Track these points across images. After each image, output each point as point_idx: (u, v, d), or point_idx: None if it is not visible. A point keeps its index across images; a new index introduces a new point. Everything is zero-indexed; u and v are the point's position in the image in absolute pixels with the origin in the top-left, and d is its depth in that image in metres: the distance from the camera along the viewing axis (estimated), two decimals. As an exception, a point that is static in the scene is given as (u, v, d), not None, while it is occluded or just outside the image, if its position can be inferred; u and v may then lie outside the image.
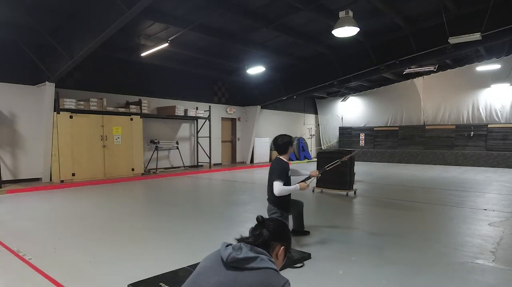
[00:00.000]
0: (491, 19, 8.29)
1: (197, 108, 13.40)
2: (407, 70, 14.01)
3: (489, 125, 15.69)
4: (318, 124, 21.46)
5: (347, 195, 7.91)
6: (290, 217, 4.43)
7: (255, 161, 16.41)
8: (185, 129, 13.84)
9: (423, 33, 10.08)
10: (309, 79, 13.93)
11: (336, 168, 4.75)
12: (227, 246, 1.51)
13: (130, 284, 3.07)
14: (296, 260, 3.66)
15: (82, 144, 9.73)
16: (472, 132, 16.00)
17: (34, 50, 9.15)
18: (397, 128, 18.48)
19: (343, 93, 19.62)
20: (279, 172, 3.94)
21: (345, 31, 7.68)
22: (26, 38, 8.99)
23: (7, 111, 9.09)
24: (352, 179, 8.11)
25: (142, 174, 11.24)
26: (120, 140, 10.62)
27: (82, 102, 9.85)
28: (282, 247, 1.61)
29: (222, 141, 15.56)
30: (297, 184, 3.95)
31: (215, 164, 14.47)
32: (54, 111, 9.30)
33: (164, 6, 8.42)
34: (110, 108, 10.48)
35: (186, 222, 5.58)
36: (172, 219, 5.82)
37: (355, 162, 8.46)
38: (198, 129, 13.98)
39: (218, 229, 5.18)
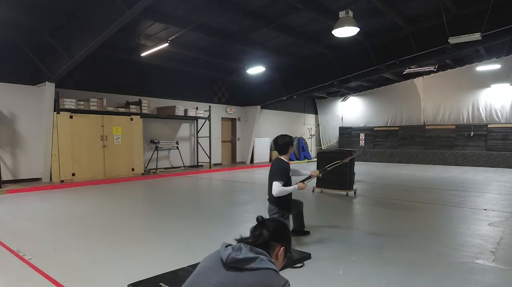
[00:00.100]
0: (491, 19, 8.29)
1: (197, 108, 13.40)
2: (407, 70, 14.01)
3: (489, 125, 15.70)
4: (318, 124, 21.46)
5: (347, 195, 7.91)
6: (291, 217, 4.43)
7: (255, 161, 16.41)
8: (185, 129, 13.84)
9: (423, 33, 10.08)
10: (309, 79, 13.93)
11: (336, 168, 4.75)
12: (227, 246, 1.51)
13: (130, 284, 3.07)
14: (296, 260, 3.66)
15: (82, 143, 9.73)
16: (472, 132, 16.00)
17: (34, 50, 9.15)
18: (397, 128, 18.48)
19: (343, 93, 19.62)
20: (280, 172, 3.94)
21: (345, 31, 7.68)
22: (26, 38, 8.99)
23: (7, 111, 9.10)
24: (352, 179, 8.11)
25: (142, 174, 11.24)
26: (120, 140, 10.62)
27: (82, 102, 9.85)
28: (282, 248, 1.60)
29: (222, 141, 15.56)
30: (296, 185, 3.97)
31: (215, 164, 14.47)
32: (54, 111, 9.30)
33: (164, 6, 8.42)
34: (110, 108, 10.48)
35: (186, 222, 5.58)
36: (172, 219, 5.82)
37: (355, 162, 8.46)
38: (198, 129, 13.98)
39: (218, 229, 5.18)
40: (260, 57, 12.14)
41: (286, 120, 18.85)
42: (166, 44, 9.41)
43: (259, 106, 16.13)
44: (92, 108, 9.99)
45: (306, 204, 4.77)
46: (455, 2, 8.60)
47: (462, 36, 8.48)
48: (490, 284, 3.23)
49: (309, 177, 4.39)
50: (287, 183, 3.98)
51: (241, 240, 1.56)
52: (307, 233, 4.72)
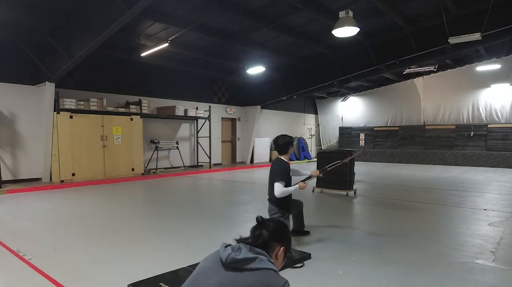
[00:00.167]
0: (491, 19, 8.29)
1: (197, 108, 13.40)
2: (407, 70, 14.01)
3: (489, 125, 15.70)
4: (318, 124, 21.46)
5: (347, 195, 7.91)
6: (291, 217, 4.43)
7: (255, 161, 16.41)
8: (185, 129, 13.84)
9: (423, 33, 10.08)
10: (309, 79, 13.93)
11: (336, 168, 4.75)
12: (226, 246, 1.51)
13: (130, 284, 3.07)
14: (296, 260, 3.66)
15: (82, 143, 9.73)
16: (472, 132, 16.00)
17: (34, 50, 9.15)
18: (397, 128, 18.48)
19: (343, 93, 19.62)
20: (281, 173, 3.94)
21: (345, 31, 7.68)
22: (26, 38, 8.99)
23: (7, 111, 9.10)
24: (352, 179, 8.11)
25: (142, 174, 11.24)
26: (120, 140, 10.62)
27: (82, 102, 9.85)
28: (282, 248, 1.60)
29: (222, 141, 15.56)
30: (296, 184, 3.98)
31: (215, 164, 14.47)
32: (54, 111, 9.30)
33: (164, 6, 8.42)
34: (110, 108, 10.48)
35: (186, 222, 5.58)
36: (172, 219, 5.82)
37: (355, 162, 8.46)
38: (198, 129, 13.98)
39: (218, 229, 5.18)
40: (260, 57, 12.14)
41: (286, 120, 18.85)
42: (166, 44, 9.41)
43: (259, 106, 16.13)
44: (92, 108, 9.99)
45: (306, 204, 4.77)
46: (455, 2, 8.60)
47: (462, 36, 8.48)
48: (490, 284, 3.23)
49: (309, 177, 4.39)
50: (288, 183, 3.98)
51: (240, 240, 1.56)
52: (307, 233, 4.72)
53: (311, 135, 20.92)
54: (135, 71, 11.95)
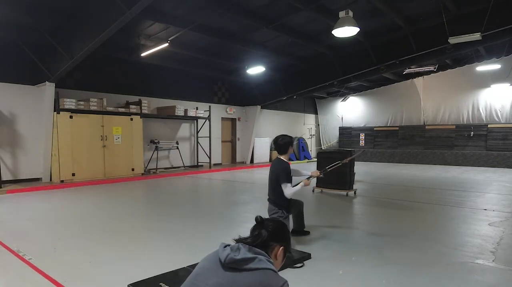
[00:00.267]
0: (491, 19, 8.29)
1: (197, 108, 13.40)
2: (407, 70, 14.01)
3: (489, 125, 15.69)
4: (318, 124, 21.46)
5: (347, 195, 7.91)
6: (291, 217, 4.43)
7: (255, 161, 16.41)
8: (185, 129, 13.84)
9: (423, 33, 10.08)
10: (309, 79, 13.93)
11: (336, 168, 4.75)
12: (225, 246, 1.50)
13: (130, 284, 3.07)
14: (296, 260, 3.66)
15: (82, 143, 9.73)
16: (472, 132, 16.00)
17: (34, 50, 9.15)
18: (397, 128, 18.48)
19: (343, 93, 19.62)
20: (285, 173, 3.95)
21: (345, 31, 7.68)
22: (26, 38, 8.99)
23: (7, 111, 9.10)
24: (352, 179, 8.11)
25: (142, 174, 11.24)
26: (120, 140, 10.62)
27: (82, 102, 9.85)
28: (281, 248, 1.60)
29: (222, 141, 15.56)
30: (302, 182, 4.01)
31: (215, 164, 14.47)
32: (54, 111, 9.30)
33: (164, 6, 8.42)
34: (110, 108, 10.48)
35: (186, 222, 5.58)
36: (172, 219, 5.82)
37: (355, 162, 8.46)
38: (198, 129, 13.98)
39: (218, 229, 5.18)
40: (260, 57, 12.14)
41: (286, 120, 18.85)
42: (166, 44, 9.41)
43: (259, 106, 16.13)
44: (92, 108, 9.99)
45: (306, 204, 4.77)
46: (455, 2, 8.60)
47: (462, 36, 8.48)
48: (490, 284, 3.23)
49: (310, 177, 4.39)
50: (290, 183, 4.00)
51: (239, 240, 1.56)
52: (307, 233, 4.72)
53: (311, 135, 20.92)
54: (135, 71, 11.95)
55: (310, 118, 21.01)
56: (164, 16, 8.84)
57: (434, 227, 5.35)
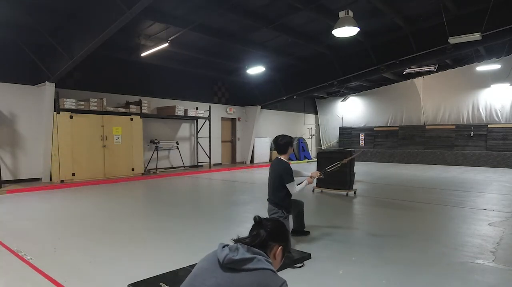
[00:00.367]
0: (491, 19, 8.29)
1: (197, 108, 13.40)
2: (407, 70, 14.01)
3: (489, 125, 15.69)
4: (318, 124, 21.46)
5: (347, 195, 7.91)
6: (291, 217, 4.42)
7: (255, 161, 16.41)
8: (185, 129, 13.84)
9: (423, 33, 10.08)
10: (309, 79, 13.93)
11: (336, 168, 4.74)
12: (224, 247, 1.50)
13: (130, 284, 3.07)
14: (296, 260, 3.66)
15: (82, 143, 9.73)
16: (472, 132, 16.00)
17: (34, 50, 9.15)
18: (397, 128, 18.48)
19: (343, 93, 19.61)
20: (288, 173, 3.95)
21: (345, 31, 7.67)
22: (26, 38, 8.99)
23: (7, 111, 9.10)
24: (352, 179, 8.11)
25: (142, 174, 11.24)
26: (120, 140, 10.61)
27: (82, 102, 9.85)
28: (280, 247, 1.59)
29: (222, 141, 15.56)
30: (305, 180, 4.04)
31: (215, 164, 14.47)
32: (54, 111, 9.30)
33: (164, 6, 8.42)
34: (110, 108, 10.48)
35: (186, 222, 5.58)
36: (172, 219, 5.82)
37: (355, 162, 8.46)
38: (198, 129, 13.98)
39: (218, 229, 5.18)
40: (260, 57, 12.14)
41: (286, 120, 18.85)
42: (166, 44, 9.41)
43: (259, 106, 16.13)
44: (92, 108, 9.99)
45: (306, 204, 4.77)
46: (455, 2, 8.60)
47: (462, 36, 8.48)
48: (490, 284, 3.23)
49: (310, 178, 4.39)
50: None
51: (238, 240, 1.55)
52: (307, 233, 4.72)
53: (311, 135, 20.92)
54: (135, 71, 11.95)
55: (310, 118, 21.01)
56: (164, 16, 8.84)
57: (434, 227, 5.35)
